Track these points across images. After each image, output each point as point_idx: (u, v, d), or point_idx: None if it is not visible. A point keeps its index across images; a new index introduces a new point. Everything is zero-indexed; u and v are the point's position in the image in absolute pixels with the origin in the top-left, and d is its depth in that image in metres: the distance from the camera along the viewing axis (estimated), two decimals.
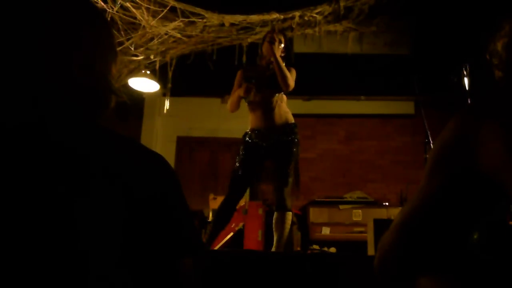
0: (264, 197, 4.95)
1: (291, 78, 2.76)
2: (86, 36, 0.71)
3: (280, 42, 2.84)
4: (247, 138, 2.84)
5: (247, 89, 2.73)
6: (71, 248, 0.58)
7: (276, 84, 2.76)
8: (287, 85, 2.73)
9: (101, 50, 0.72)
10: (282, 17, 4.22)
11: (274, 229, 2.72)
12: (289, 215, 2.72)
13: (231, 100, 2.86)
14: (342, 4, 4.20)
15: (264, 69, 2.87)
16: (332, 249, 4.65)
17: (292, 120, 2.84)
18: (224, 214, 2.80)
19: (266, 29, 4.19)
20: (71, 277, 0.58)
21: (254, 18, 4.21)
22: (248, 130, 2.88)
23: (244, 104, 2.88)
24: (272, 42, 2.77)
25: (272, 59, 2.77)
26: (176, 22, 3.96)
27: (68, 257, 0.58)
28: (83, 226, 0.59)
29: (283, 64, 2.75)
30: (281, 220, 2.69)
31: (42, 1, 0.68)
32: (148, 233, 0.65)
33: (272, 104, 2.79)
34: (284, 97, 2.87)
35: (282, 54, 2.85)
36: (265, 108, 2.78)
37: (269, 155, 2.80)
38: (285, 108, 2.85)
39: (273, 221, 2.73)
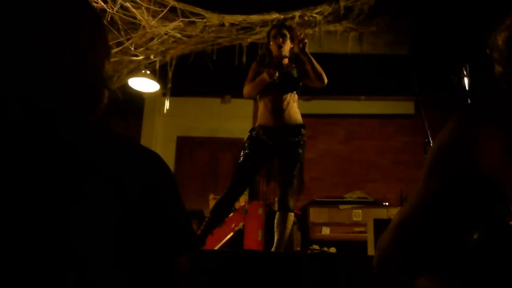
0: (264, 197, 4.94)
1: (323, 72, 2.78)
2: (79, 31, 0.71)
3: (285, 36, 2.83)
4: (254, 134, 2.80)
5: (270, 74, 2.70)
6: (66, 248, 0.58)
7: (291, 83, 2.77)
8: (322, 81, 2.78)
9: (93, 45, 0.72)
10: (282, 17, 4.22)
11: (275, 229, 2.72)
12: (291, 216, 2.71)
13: (252, 85, 2.80)
14: (342, 4, 4.20)
15: (278, 64, 2.85)
16: (332, 249, 4.65)
17: (301, 121, 2.80)
18: (224, 208, 2.77)
19: (266, 29, 4.18)
20: (68, 277, 0.58)
21: (254, 18, 4.21)
22: (255, 126, 2.84)
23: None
24: (302, 42, 2.76)
25: (302, 57, 2.77)
26: (176, 22, 3.95)
27: (64, 257, 0.58)
28: (78, 226, 0.59)
29: (314, 61, 2.77)
30: (283, 220, 2.68)
31: None
32: (143, 232, 0.65)
33: (284, 102, 2.75)
34: (296, 96, 2.85)
35: (291, 46, 2.85)
36: (277, 105, 2.74)
37: (275, 154, 2.77)
38: (295, 108, 2.81)
39: (275, 221, 2.73)
